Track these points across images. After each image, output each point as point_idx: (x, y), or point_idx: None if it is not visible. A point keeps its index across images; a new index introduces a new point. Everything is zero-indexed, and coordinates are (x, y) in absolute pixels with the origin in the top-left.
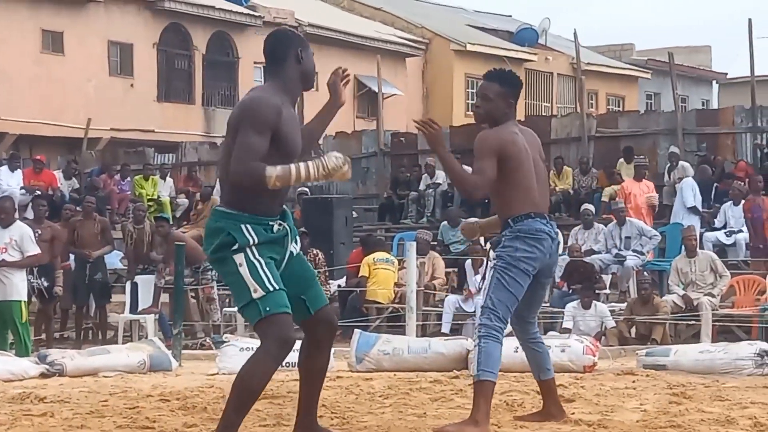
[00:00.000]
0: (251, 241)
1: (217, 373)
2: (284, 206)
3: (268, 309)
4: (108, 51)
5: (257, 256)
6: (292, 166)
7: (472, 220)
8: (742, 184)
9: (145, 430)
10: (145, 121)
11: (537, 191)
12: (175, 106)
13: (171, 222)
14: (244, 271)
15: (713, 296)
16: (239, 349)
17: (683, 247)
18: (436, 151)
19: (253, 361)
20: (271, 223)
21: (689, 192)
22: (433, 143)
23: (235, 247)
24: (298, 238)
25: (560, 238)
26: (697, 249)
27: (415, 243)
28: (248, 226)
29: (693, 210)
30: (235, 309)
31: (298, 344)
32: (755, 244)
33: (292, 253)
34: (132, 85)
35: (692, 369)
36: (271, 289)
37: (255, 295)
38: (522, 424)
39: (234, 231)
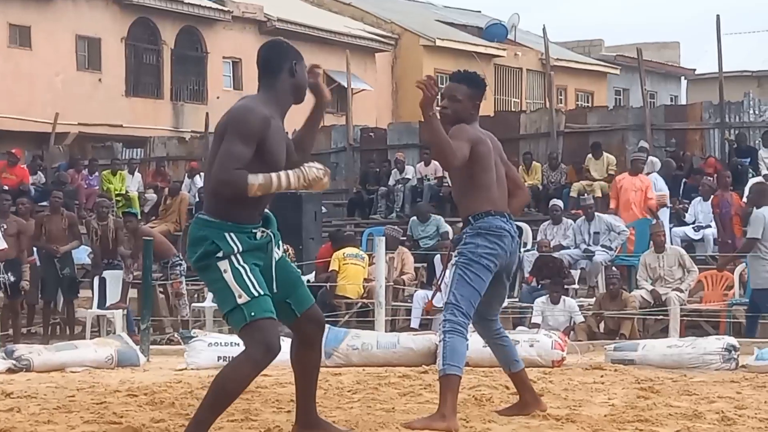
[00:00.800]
0: (235, 249)
1: (186, 369)
2: (268, 212)
3: (253, 314)
4: (76, 45)
5: (242, 262)
6: (273, 175)
7: None
8: (712, 179)
9: (112, 426)
10: (114, 115)
11: (497, 191)
12: (143, 101)
13: (139, 217)
14: (228, 277)
15: (681, 291)
16: (207, 344)
17: (651, 243)
18: (424, 113)
19: (235, 364)
20: (254, 230)
21: (652, 188)
22: (425, 106)
23: (220, 254)
24: (281, 243)
25: (530, 235)
26: (666, 244)
27: (384, 238)
28: (232, 234)
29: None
30: (204, 304)
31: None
32: (723, 240)
33: (275, 257)
34: (100, 80)
35: (660, 364)
36: (256, 294)
37: (240, 301)
38: (490, 418)
39: (218, 239)
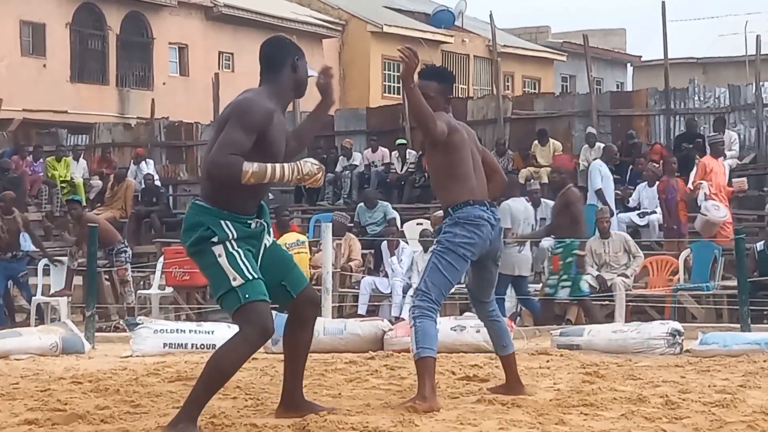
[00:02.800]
0: (230, 236)
1: (131, 356)
2: (262, 202)
3: (247, 296)
4: (20, 31)
5: (236, 247)
6: (269, 165)
7: (440, 213)
8: (657, 165)
9: (56, 413)
10: (58, 101)
11: (475, 180)
12: (88, 87)
13: (84, 204)
14: (223, 261)
15: (627, 277)
16: (153, 331)
17: (597, 229)
18: (406, 84)
19: (230, 345)
20: (249, 221)
21: (596, 174)
22: (407, 77)
23: (215, 239)
24: (271, 230)
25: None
26: (611, 230)
27: (331, 225)
28: (228, 222)
29: (599, 193)
30: (150, 291)
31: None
32: (669, 225)
33: (266, 245)
34: (45, 66)
35: (605, 349)
36: (250, 277)
37: (234, 284)
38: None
39: (214, 226)
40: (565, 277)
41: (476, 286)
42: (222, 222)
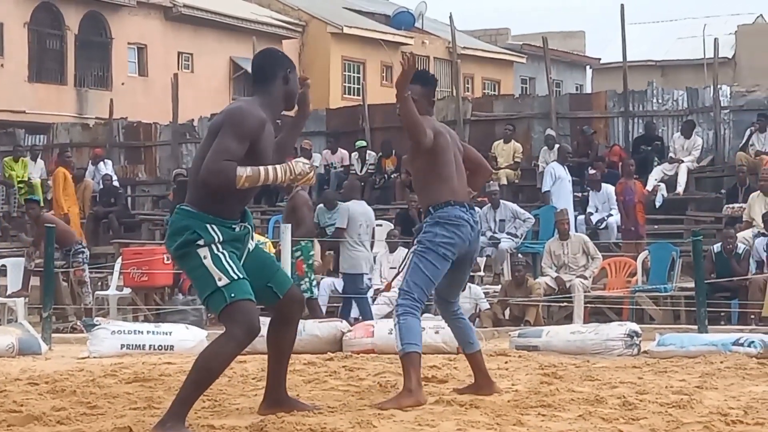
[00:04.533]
0: (216, 239)
1: (88, 357)
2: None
3: (233, 295)
4: None
5: (221, 249)
6: (261, 168)
7: None
8: (597, 174)
9: (12, 414)
10: (16, 101)
11: (456, 182)
12: (46, 87)
13: (42, 204)
14: (208, 262)
15: (585, 278)
16: (111, 332)
17: (556, 230)
18: (400, 93)
19: (217, 344)
20: (233, 225)
21: (547, 176)
22: (402, 85)
23: (200, 242)
24: (254, 234)
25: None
26: (570, 232)
27: (290, 226)
28: (213, 225)
29: (546, 195)
30: (108, 292)
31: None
32: (627, 227)
33: (249, 248)
34: (2, 65)
35: (564, 350)
36: (236, 277)
37: (220, 283)
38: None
39: (199, 229)
40: (313, 278)
41: (446, 286)
42: (208, 225)
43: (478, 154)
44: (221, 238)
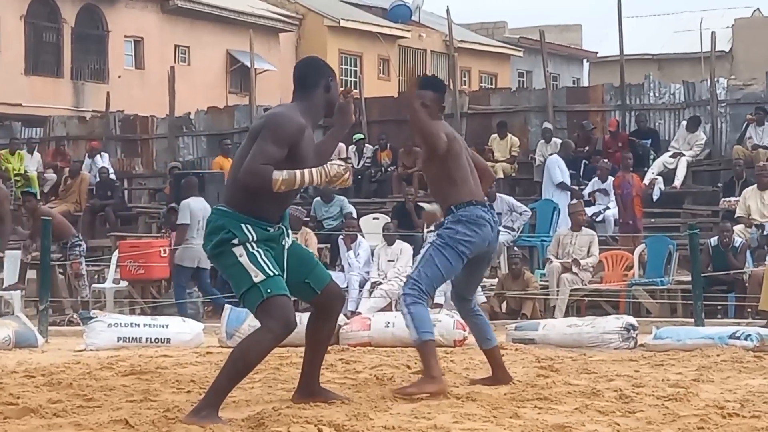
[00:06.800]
0: (251, 238)
1: (85, 350)
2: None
3: (269, 291)
4: None
5: (256, 248)
6: (297, 171)
7: (433, 207)
8: (607, 161)
9: (8, 407)
10: (13, 94)
11: (473, 183)
12: (43, 80)
13: (38, 197)
14: (244, 260)
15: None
16: (107, 325)
17: (570, 221)
18: (413, 104)
19: (254, 337)
20: (268, 227)
21: (555, 169)
22: (412, 95)
23: (235, 241)
24: (290, 233)
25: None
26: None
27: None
28: (248, 225)
29: (561, 186)
30: (104, 285)
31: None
32: (625, 220)
33: (286, 246)
34: None
35: (560, 343)
36: (271, 274)
37: (256, 279)
38: (392, 396)
39: (234, 228)
40: None
41: (464, 283)
42: (242, 225)
43: (482, 159)
44: (255, 237)
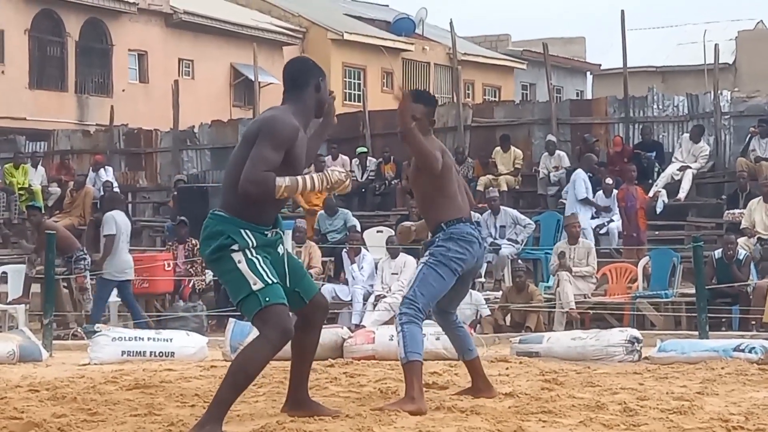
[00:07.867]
0: (250, 244)
1: (89, 364)
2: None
3: (267, 299)
4: None
5: (255, 254)
6: (299, 177)
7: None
8: (611, 181)
9: (12, 421)
10: (17, 108)
11: (460, 199)
12: (47, 94)
13: (43, 211)
14: (243, 267)
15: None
16: (111, 339)
17: (565, 234)
18: (406, 125)
19: (252, 348)
20: (266, 231)
21: (581, 184)
22: (407, 118)
23: (235, 247)
24: (284, 239)
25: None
26: (580, 237)
27: (291, 232)
28: (247, 231)
29: (585, 201)
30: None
31: None
32: (629, 233)
33: (280, 252)
34: (3, 72)
35: (564, 356)
36: (270, 282)
37: (255, 287)
38: (397, 411)
39: (234, 234)
40: None
41: (448, 299)
42: (242, 231)
43: (464, 181)
44: (255, 243)
